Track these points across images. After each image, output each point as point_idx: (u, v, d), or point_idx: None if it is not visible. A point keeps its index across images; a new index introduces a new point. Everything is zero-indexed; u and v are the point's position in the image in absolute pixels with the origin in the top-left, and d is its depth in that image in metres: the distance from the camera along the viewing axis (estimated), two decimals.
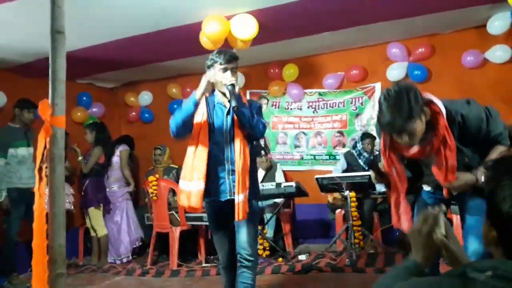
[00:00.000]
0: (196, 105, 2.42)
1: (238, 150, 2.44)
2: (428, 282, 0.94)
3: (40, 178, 1.30)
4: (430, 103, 1.99)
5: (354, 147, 4.89)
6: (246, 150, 2.47)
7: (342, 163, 4.98)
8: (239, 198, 2.39)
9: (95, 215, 4.91)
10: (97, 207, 4.92)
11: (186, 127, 2.46)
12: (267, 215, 4.71)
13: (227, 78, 2.40)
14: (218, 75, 2.44)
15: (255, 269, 2.53)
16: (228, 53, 2.50)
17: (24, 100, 4.31)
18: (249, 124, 2.42)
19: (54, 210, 1.30)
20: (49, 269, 1.26)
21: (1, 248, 4.28)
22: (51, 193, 1.30)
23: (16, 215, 4.22)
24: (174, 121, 2.47)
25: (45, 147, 1.30)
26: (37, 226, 1.26)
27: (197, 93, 2.40)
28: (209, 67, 2.50)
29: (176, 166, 5.52)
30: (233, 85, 2.37)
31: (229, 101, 2.37)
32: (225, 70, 2.44)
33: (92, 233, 5.00)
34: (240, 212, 2.38)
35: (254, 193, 2.52)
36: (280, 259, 4.40)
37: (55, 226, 1.28)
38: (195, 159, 2.44)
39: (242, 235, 2.46)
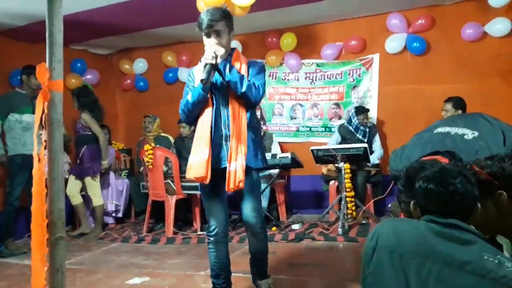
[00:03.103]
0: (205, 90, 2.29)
1: (232, 115, 2.31)
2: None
3: (39, 143, 1.30)
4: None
5: (349, 122, 4.89)
6: (242, 115, 2.33)
7: (336, 137, 5.01)
8: (231, 167, 2.25)
9: (91, 185, 4.79)
10: (94, 177, 4.78)
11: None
12: (262, 186, 4.75)
13: (205, 56, 2.23)
14: (204, 40, 2.33)
15: (264, 238, 2.51)
16: (209, 14, 2.28)
17: (30, 66, 4.24)
18: (237, 90, 2.27)
19: (53, 175, 1.29)
20: (49, 233, 1.27)
21: (1, 212, 4.33)
22: (49, 158, 1.29)
23: (19, 181, 4.26)
24: (184, 112, 2.38)
25: (43, 111, 1.29)
26: (37, 190, 1.26)
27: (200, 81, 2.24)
28: (200, 29, 2.34)
29: (167, 136, 5.51)
30: (211, 65, 2.21)
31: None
32: (208, 35, 2.30)
33: (75, 202, 4.78)
34: (230, 182, 2.24)
35: (255, 162, 2.38)
36: (274, 228, 4.48)
37: (54, 190, 1.29)
38: (201, 129, 2.33)
39: (246, 207, 2.39)
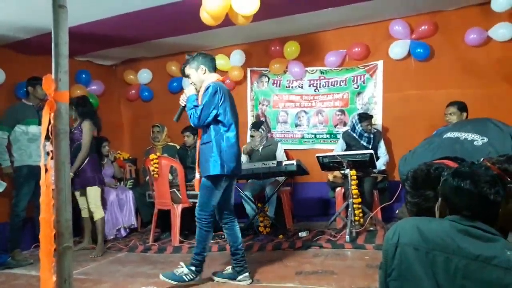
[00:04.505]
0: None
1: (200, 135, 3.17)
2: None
3: (46, 154, 1.31)
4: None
5: (353, 129, 4.88)
6: (200, 135, 3.16)
7: (341, 144, 5.00)
8: (196, 175, 3.21)
9: (95, 195, 4.50)
10: (98, 187, 4.54)
11: None
12: (268, 193, 4.74)
13: (181, 98, 3.22)
14: None
15: (197, 227, 3.20)
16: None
17: (35, 78, 4.29)
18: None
19: (60, 185, 1.30)
20: (56, 243, 1.28)
21: (8, 223, 4.34)
22: (56, 168, 1.30)
23: (25, 192, 4.28)
24: None
25: (49, 122, 1.31)
26: (45, 201, 1.27)
27: None
28: None
29: (175, 144, 5.53)
30: (182, 107, 3.20)
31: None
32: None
33: (84, 214, 4.61)
34: (195, 187, 3.26)
35: (203, 172, 3.09)
36: (281, 236, 4.45)
37: (61, 200, 1.30)
38: None
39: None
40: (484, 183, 1.32)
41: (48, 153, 1.32)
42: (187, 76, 3.20)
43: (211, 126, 3.05)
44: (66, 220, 1.30)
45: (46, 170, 1.29)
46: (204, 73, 3.14)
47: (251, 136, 5.21)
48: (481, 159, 1.59)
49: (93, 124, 4.51)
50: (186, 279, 3.09)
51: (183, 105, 3.16)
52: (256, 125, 5.23)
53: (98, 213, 4.51)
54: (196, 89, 3.17)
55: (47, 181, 1.28)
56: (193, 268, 3.12)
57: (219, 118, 3.03)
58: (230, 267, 3.24)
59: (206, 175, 3.06)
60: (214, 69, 3.23)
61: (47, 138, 1.31)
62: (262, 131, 5.10)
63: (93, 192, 4.49)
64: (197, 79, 3.14)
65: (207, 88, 3.03)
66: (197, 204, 3.16)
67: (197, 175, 3.15)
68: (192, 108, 3.04)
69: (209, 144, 3.04)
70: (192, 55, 3.19)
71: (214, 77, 3.16)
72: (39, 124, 4.31)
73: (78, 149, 4.47)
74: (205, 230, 3.15)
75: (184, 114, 3.21)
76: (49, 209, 1.27)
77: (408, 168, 2.17)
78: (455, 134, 2.20)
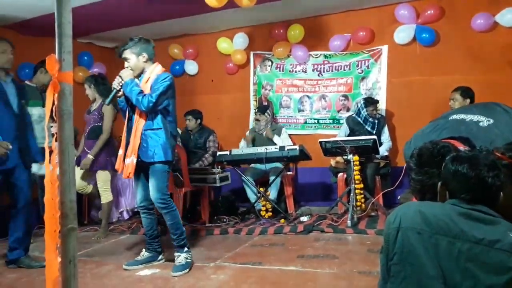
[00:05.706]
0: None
1: (135, 121, 3.12)
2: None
3: (50, 135, 1.30)
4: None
5: (358, 113, 4.86)
6: (140, 121, 3.09)
7: (344, 129, 4.98)
8: (125, 162, 3.10)
9: (103, 179, 4.45)
10: (108, 171, 4.44)
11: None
12: (271, 177, 4.75)
13: (114, 82, 3.13)
14: None
15: (167, 213, 3.15)
16: (121, 45, 3.20)
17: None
18: (132, 102, 3.06)
19: (64, 166, 1.29)
20: (60, 224, 1.28)
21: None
22: (60, 149, 1.29)
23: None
24: None
25: (53, 103, 1.29)
26: (49, 182, 1.26)
27: None
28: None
29: (177, 128, 5.53)
30: (116, 90, 3.11)
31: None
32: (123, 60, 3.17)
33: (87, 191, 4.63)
34: (124, 173, 3.09)
35: (147, 157, 3.07)
36: (283, 220, 4.47)
37: (65, 182, 1.29)
38: (124, 131, 3.24)
39: (151, 187, 3.14)
40: (482, 166, 1.32)
41: (53, 135, 1.31)
42: (124, 59, 3.17)
43: (160, 114, 3.11)
44: (70, 201, 1.29)
45: (51, 151, 1.29)
46: (145, 61, 3.17)
47: (256, 120, 5.22)
48: (489, 146, 1.57)
49: (114, 107, 4.38)
50: (190, 260, 3.20)
51: (117, 88, 3.10)
52: (262, 109, 5.25)
53: (106, 197, 4.48)
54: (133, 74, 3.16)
55: (52, 162, 1.27)
56: (185, 248, 3.22)
57: (168, 108, 3.15)
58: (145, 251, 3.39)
59: (159, 160, 3.09)
60: (153, 58, 3.24)
61: (52, 119, 1.30)
62: (268, 115, 5.13)
63: (104, 176, 4.45)
64: (137, 66, 3.16)
65: (165, 78, 3.08)
66: (155, 193, 3.11)
67: (133, 160, 3.05)
68: (140, 93, 3.02)
69: (159, 131, 3.11)
70: (134, 40, 3.17)
71: (159, 67, 3.20)
72: (43, 105, 4.30)
73: (94, 131, 4.39)
74: (174, 210, 3.22)
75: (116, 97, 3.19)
76: (54, 190, 1.26)
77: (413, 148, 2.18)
78: (461, 116, 2.20)
